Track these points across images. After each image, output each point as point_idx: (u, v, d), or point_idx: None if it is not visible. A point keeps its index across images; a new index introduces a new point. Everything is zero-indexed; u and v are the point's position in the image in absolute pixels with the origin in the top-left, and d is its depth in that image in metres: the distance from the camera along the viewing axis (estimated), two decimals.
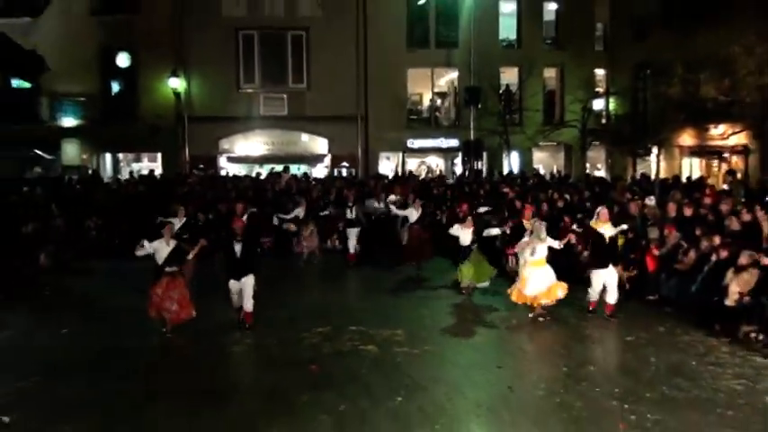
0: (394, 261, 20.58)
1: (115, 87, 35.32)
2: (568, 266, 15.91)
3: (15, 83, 33.63)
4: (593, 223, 14.84)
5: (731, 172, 28.26)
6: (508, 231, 16.99)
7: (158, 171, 33.84)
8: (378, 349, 12.66)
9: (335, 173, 34.28)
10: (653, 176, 29.79)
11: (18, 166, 33.35)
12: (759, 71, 17.96)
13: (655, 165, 32.47)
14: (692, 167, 33.56)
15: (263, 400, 10.20)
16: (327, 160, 36.12)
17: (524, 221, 16.40)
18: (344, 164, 35.66)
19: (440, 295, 17.09)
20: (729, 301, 11.58)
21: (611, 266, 14.39)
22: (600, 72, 38.26)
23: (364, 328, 13.84)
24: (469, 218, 17.17)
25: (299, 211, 21.57)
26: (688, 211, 16.93)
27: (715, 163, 32.93)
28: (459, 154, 36.53)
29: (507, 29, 37.11)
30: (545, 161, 38.69)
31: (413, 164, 37.81)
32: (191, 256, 14.26)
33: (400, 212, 21.11)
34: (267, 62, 35.14)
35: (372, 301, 16.62)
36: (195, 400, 10.22)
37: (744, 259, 13.39)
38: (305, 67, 35.17)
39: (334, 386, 10.74)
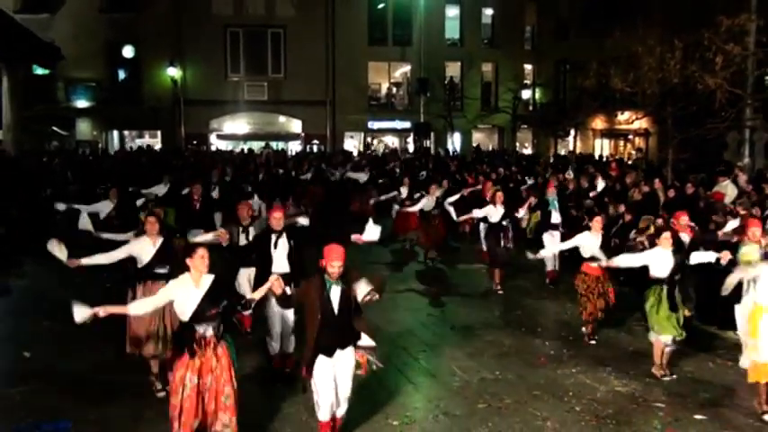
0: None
1: (121, 74, 34.82)
2: None
3: (36, 70, 33.02)
4: None
5: (639, 149, 28.57)
6: (724, 261, 8.51)
7: (158, 146, 33.83)
8: None
9: (308, 149, 34.23)
10: (570, 154, 30.05)
11: (39, 141, 32.80)
12: (658, 67, 17.99)
13: (572, 144, 32.72)
14: (602, 146, 33.88)
15: (244, 342, 9.58)
16: (301, 138, 35.84)
17: (747, 239, 8.70)
18: (315, 141, 35.55)
19: (396, 256, 16.57)
20: None
21: None
22: (528, 67, 38.53)
23: None
24: (666, 234, 8.84)
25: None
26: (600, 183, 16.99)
27: (621, 143, 33.27)
28: (411, 134, 36.69)
29: (452, 30, 37.13)
30: (482, 141, 38.86)
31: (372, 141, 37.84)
32: (254, 297, 6.59)
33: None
34: (250, 55, 34.58)
35: None
36: None
37: (643, 223, 13.49)
38: (282, 60, 34.70)
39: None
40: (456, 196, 15.12)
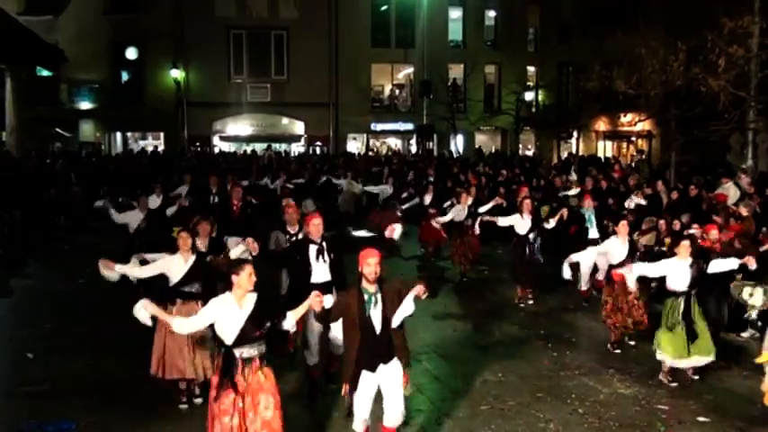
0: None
1: (124, 76, 34.94)
2: None
3: (39, 72, 33.05)
4: None
5: (640, 151, 28.53)
6: (752, 266, 8.19)
7: (161, 148, 33.90)
8: None
9: (311, 151, 34.26)
10: (573, 157, 30.05)
11: (42, 142, 32.81)
12: (661, 69, 18.00)
13: (575, 146, 32.72)
14: (605, 148, 33.88)
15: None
16: (304, 140, 35.90)
17: None
18: (318, 143, 35.61)
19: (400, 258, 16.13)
20: None
21: None
22: (531, 69, 38.43)
23: None
24: (685, 243, 8.32)
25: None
26: (603, 184, 16.97)
27: (624, 145, 33.27)
28: (414, 136, 36.64)
29: (455, 32, 37.08)
30: (485, 143, 38.80)
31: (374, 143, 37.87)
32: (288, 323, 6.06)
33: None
34: (253, 56, 34.62)
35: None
36: None
37: (646, 225, 13.49)
38: (285, 61, 34.70)
39: None
40: (489, 205, 13.86)
